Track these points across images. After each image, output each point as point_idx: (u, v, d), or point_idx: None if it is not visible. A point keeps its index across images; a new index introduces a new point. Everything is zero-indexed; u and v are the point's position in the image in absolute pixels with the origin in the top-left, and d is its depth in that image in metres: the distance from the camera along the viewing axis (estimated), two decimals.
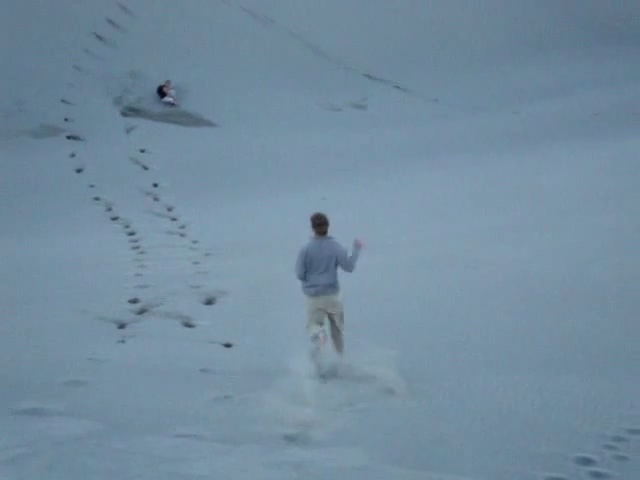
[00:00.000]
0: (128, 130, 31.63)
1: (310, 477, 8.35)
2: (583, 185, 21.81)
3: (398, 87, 38.69)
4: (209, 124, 33.46)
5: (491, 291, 15.41)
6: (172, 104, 33.77)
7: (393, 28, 42.59)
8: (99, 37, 36.71)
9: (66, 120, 31.57)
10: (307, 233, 11.69)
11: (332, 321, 11.66)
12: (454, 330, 13.69)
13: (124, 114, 33.10)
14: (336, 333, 11.70)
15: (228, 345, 13.79)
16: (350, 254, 11.47)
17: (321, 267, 11.47)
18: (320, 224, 11.52)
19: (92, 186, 26.36)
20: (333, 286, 11.55)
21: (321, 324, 11.54)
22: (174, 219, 23.48)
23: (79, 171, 27.70)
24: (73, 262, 18.91)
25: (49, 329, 14.19)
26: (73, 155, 28.85)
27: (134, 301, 15.94)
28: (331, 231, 11.78)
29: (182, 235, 21.78)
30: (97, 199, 25.38)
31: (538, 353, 12.64)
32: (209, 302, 16.01)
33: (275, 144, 30.74)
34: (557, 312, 14.19)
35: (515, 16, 45.19)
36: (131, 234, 21.77)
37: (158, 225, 22.67)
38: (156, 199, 25.51)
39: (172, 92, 33.99)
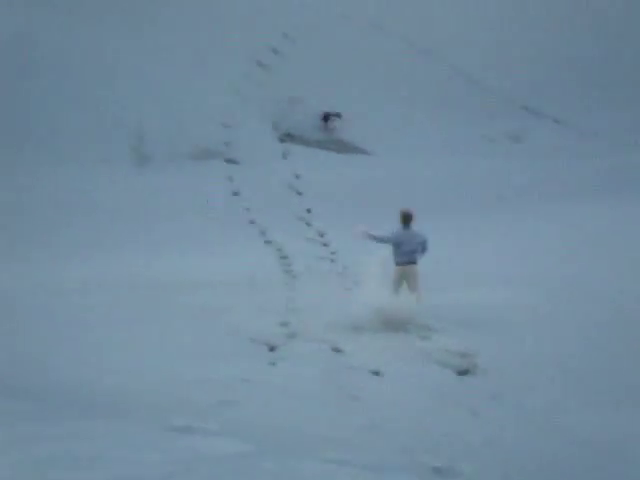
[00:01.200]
0: (284, 155, 32.18)
1: None
2: None
3: (557, 121, 38.14)
4: (364, 152, 33.72)
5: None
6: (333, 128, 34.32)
7: (553, 63, 42.02)
8: (260, 63, 37.53)
9: (225, 144, 32.35)
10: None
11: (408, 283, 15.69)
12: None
13: (281, 140, 33.71)
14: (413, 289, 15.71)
15: (376, 373, 13.83)
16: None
17: (406, 247, 15.58)
18: (407, 218, 15.85)
19: (248, 209, 26.88)
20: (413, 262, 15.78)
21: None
22: (325, 245, 23.72)
23: (236, 194, 28.30)
24: (227, 283, 19.30)
25: (203, 349, 14.53)
26: (231, 178, 29.51)
27: (285, 324, 16.16)
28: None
29: (332, 261, 21.98)
30: (252, 222, 25.85)
31: None
32: (358, 329, 16.08)
33: (428, 173, 30.71)
34: None
35: None
36: (283, 258, 22.09)
37: (310, 250, 22.94)
38: (309, 224, 25.83)
39: (336, 124, 34.48)
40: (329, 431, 10.65)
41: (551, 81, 41.08)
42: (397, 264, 15.75)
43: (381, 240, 15.83)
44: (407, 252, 15.60)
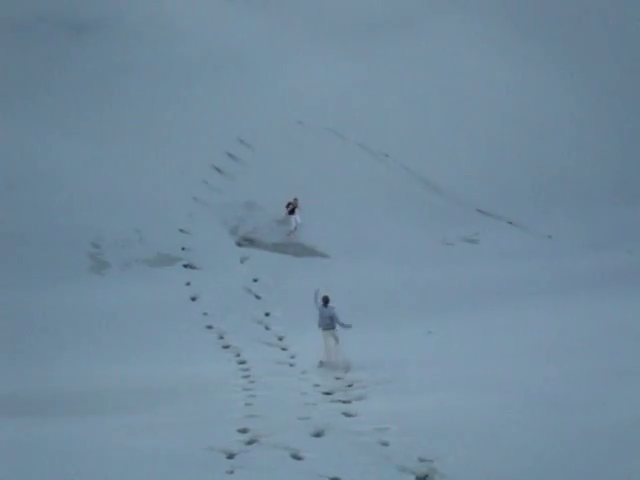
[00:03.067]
0: (242, 260, 32.27)
1: None
2: None
3: (510, 222, 38.69)
4: (322, 255, 33.90)
5: (618, 435, 14.88)
6: (294, 229, 34.62)
7: (505, 166, 42.78)
8: (218, 169, 37.87)
9: (183, 249, 32.43)
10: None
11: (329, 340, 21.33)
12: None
13: (239, 244, 33.85)
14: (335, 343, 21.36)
15: (335, 479, 13.68)
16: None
17: (324, 317, 21.36)
18: (325, 300, 21.53)
19: (205, 314, 26.83)
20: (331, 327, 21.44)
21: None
22: (284, 349, 23.66)
23: (193, 299, 28.27)
24: (184, 390, 19.14)
25: (159, 457, 14.30)
26: (188, 283, 29.52)
27: (243, 431, 15.98)
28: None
29: (291, 365, 21.90)
30: (210, 327, 25.78)
31: None
32: (317, 434, 15.94)
33: (387, 278, 30.87)
34: None
35: (629, 156, 44.97)
36: (242, 363, 21.99)
37: (268, 354, 22.87)
38: (267, 328, 25.79)
39: (297, 214, 34.90)
40: None
41: (504, 184, 41.75)
42: (321, 327, 21.53)
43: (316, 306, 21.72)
44: (325, 319, 21.34)
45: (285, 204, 35.19)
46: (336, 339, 21.18)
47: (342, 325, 21.09)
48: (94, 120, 38.50)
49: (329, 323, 21.23)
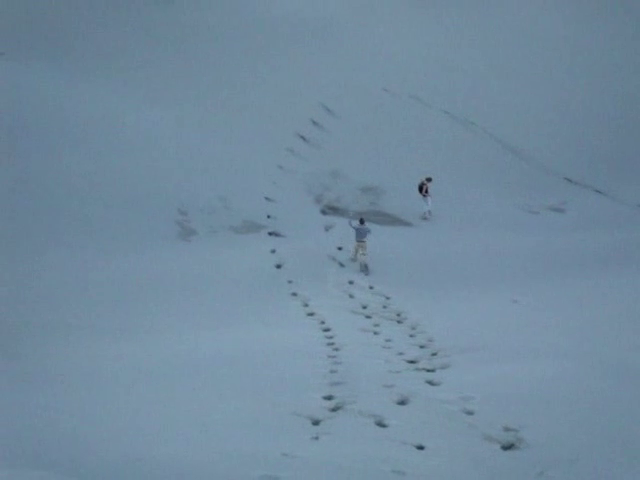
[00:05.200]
0: (327, 228, 32.35)
1: None
2: None
3: (599, 191, 38.11)
4: (406, 223, 33.82)
5: None
6: (427, 211, 34.25)
7: (593, 134, 42.12)
8: (303, 137, 37.98)
9: (268, 217, 32.64)
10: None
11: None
12: None
13: (324, 212, 33.94)
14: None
15: (420, 447, 13.73)
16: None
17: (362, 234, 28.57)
18: (362, 221, 29.20)
19: (290, 282, 26.99)
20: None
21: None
22: (368, 317, 23.70)
23: (279, 267, 28.44)
24: (270, 355, 19.32)
25: (247, 422, 14.52)
26: (273, 251, 29.70)
27: (328, 398, 16.11)
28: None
29: (375, 333, 21.95)
30: (294, 294, 25.93)
31: None
32: (402, 402, 16.00)
33: (471, 246, 30.71)
34: None
35: None
36: (326, 330, 22.09)
37: (353, 322, 22.94)
38: (351, 296, 25.85)
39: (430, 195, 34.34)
40: None
41: (592, 152, 41.09)
42: (357, 240, 28.92)
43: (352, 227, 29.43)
44: (362, 234, 28.64)
45: (418, 185, 34.58)
46: (364, 249, 28.67)
47: (369, 232, 29.14)
48: (179, 86, 38.90)
49: (363, 237, 28.83)
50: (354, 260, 29.04)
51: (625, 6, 47.97)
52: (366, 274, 28.08)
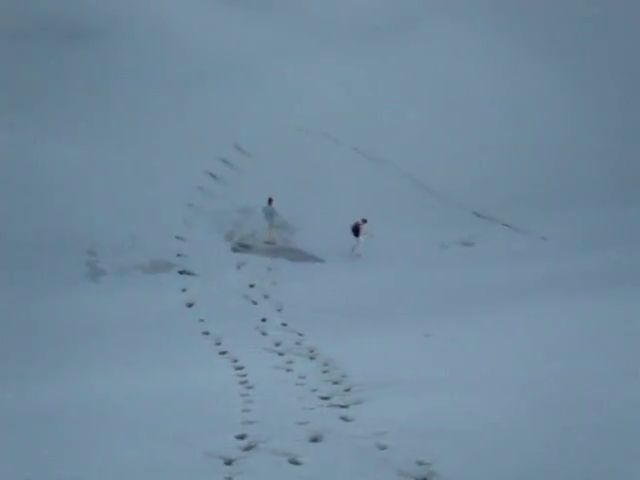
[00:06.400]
0: (239, 265, 32.23)
1: None
2: None
3: (506, 225, 38.72)
4: (318, 260, 33.88)
5: (621, 436, 14.81)
6: (358, 250, 34.21)
7: (501, 169, 42.85)
8: (213, 175, 37.88)
9: (178, 255, 32.40)
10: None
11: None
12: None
13: (235, 250, 33.84)
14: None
15: None
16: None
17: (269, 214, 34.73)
18: (270, 200, 33.52)
19: (202, 320, 26.76)
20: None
21: None
22: (281, 354, 23.58)
23: (190, 305, 28.20)
24: (182, 396, 19.06)
25: (157, 464, 14.26)
26: (184, 290, 29.46)
27: (241, 437, 15.93)
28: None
29: (288, 370, 21.82)
30: (206, 333, 25.70)
31: None
32: (315, 439, 15.90)
33: (383, 281, 30.87)
34: None
35: (620, 157, 45.03)
36: (239, 368, 21.90)
37: (266, 360, 22.78)
38: (264, 334, 25.72)
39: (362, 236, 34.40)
40: None
41: (501, 187, 41.79)
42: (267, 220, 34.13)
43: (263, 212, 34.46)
44: (269, 215, 33.44)
45: (352, 225, 34.60)
46: (272, 226, 33.68)
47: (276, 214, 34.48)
48: (91, 126, 38.55)
49: (270, 216, 33.81)
50: (269, 241, 33.89)
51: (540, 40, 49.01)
52: (274, 245, 34.16)
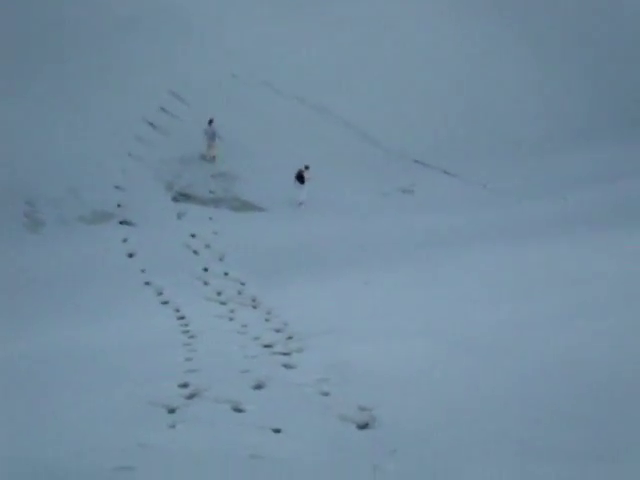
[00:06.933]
0: (179, 215, 32.08)
1: None
2: (622, 271, 21.36)
3: (447, 172, 38.95)
4: (258, 209, 33.84)
5: (538, 378, 15.18)
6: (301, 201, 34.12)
7: (441, 117, 43.00)
8: (151, 124, 37.51)
9: (119, 206, 32.15)
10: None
11: None
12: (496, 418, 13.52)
13: (175, 199, 33.66)
14: None
15: (277, 430, 13.77)
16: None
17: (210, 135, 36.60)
18: (210, 121, 35.88)
19: (143, 271, 26.67)
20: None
21: None
22: (223, 303, 23.64)
23: (131, 256, 28.07)
24: (124, 346, 19.06)
25: (100, 415, 14.27)
26: (125, 240, 29.27)
27: (184, 385, 15.99)
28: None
29: (231, 319, 21.91)
30: (148, 283, 25.64)
31: (589, 442, 12.45)
32: (258, 387, 16.02)
33: (322, 230, 30.95)
34: (611, 398, 14.00)
35: (558, 110, 45.42)
36: (181, 318, 21.94)
37: (208, 309, 22.83)
38: (206, 283, 25.73)
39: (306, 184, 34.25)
40: None
41: (440, 135, 41.98)
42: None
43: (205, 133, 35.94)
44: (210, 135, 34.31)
45: (295, 173, 34.30)
46: (213, 148, 35.38)
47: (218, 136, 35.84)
48: (23, 79, 37.83)
49: (212, 137, 35.29)
50: (207, 158, 35.59)
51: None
52: (212, 163, 35.59)
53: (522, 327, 17.87)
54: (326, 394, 15.30)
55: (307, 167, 34.43)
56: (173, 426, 13.91)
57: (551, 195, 33.55)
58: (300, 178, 34.29)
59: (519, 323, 18.22)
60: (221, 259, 28.08)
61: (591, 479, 10.73)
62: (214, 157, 36.32)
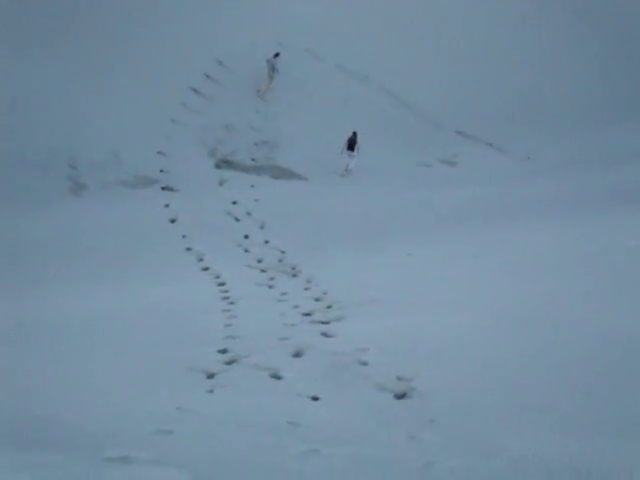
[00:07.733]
0: (221, 182, 32.12)
1: None
2: None
3: (490, 144, 38.66)
4: (300, 177, 33.81)
5: (581, 354, 15.01)
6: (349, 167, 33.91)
7: (485, 89, 42.67)
8: (196, 91, 37.53)
9: (161, 171, 32.26)
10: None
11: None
12: (541, 392, 13.41)
13: (217, 166, 33.70)
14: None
15: (315, 398, 13.78)
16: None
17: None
18: (276, 54, 37.45)
19: (184, 237, 26.77)
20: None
21: None
22: (263, 271, 23.67)
23: (172, 221, 28.18)
24: (163, 311, 19.14)
25: (139, 378, 14.36)
26: (167, 206, 29.38)
27: (223, 351, 16.04)
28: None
29: (270, 287, 21.93)
30: (189, 249, 25.73)
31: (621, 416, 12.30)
32: (297, 354, 16.03)
33: (364, 200, 30.87)
34: None
35: (603, 82, 44.92)
36: (221, 284, 21.99)
37: (248, 276, 22.87)
38: (246, 251, 25.78)
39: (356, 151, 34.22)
40: (267, 459, 10.56)
41: (484, 108, 41.65)
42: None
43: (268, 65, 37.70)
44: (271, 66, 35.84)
45: (347, 139, 34.19)
46: (270, 79, 37.70)
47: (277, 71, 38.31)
48: (67, 42, 38.00)
49: (272, 69, 37.18)
50: (259, 94, 37.57)
51: None
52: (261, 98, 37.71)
53: (573, 302, 17.61)
54: (364, 363, 15.27)
55: (355, 134, 34.28)
56: (211, 391, 13.96)
57: (596, 168, 33.19)
58: (351, 146, 34.15)
59: (569, 297, 17.96)
60: (262, 227, 28.12)
61: None
62: (265, 92, 38.31)
